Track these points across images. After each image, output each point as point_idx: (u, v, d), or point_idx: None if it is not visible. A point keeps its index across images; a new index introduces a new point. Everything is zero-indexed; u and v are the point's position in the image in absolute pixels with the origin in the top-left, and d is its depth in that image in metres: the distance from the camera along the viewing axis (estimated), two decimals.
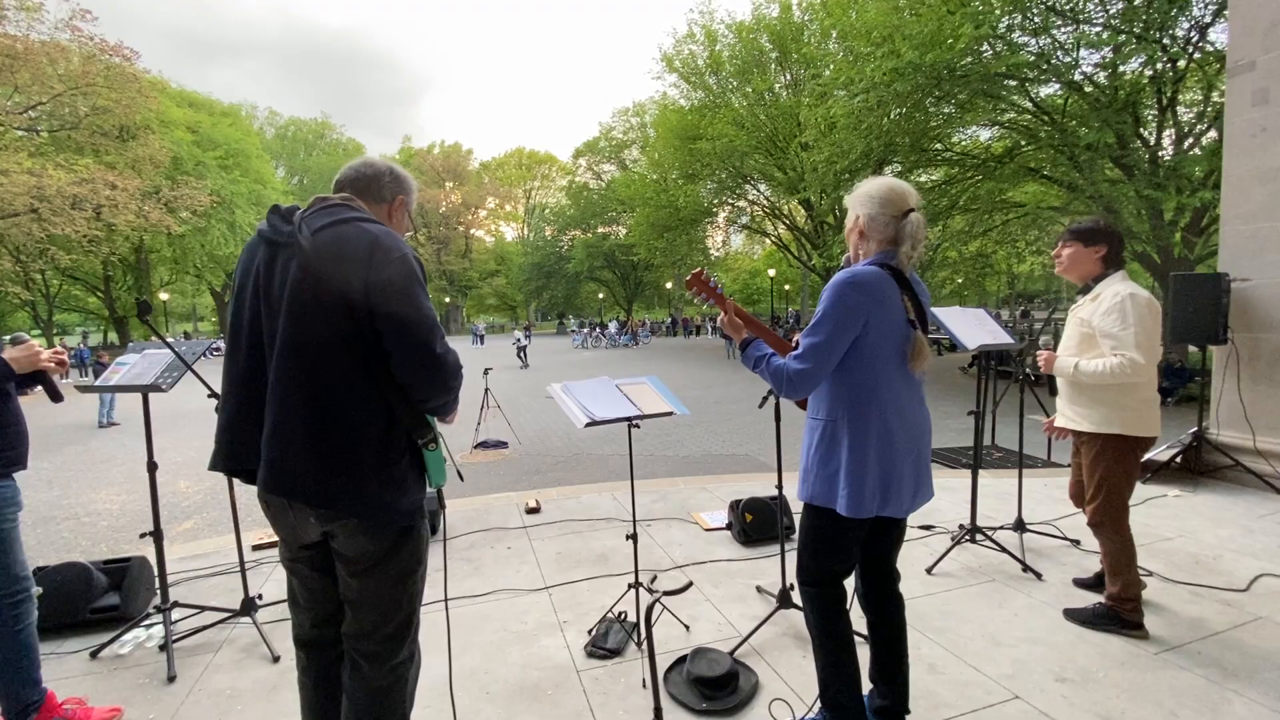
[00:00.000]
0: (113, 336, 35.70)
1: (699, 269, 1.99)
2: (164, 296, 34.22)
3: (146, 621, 2.75)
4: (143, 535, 2.65)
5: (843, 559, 1.87)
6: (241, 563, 2.83)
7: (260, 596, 2.91)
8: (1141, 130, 12.67)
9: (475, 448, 8.65)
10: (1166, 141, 12.98)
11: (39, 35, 20.04)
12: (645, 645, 1.63)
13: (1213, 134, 12.33)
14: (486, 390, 9.32)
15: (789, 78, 23.25)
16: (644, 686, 2.30)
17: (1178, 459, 4.63)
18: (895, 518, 1.83)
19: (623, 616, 2.69)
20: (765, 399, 2.73)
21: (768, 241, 36.06)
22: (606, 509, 4.34)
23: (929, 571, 3.16)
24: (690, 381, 15.60)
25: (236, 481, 1.72)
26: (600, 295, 51.32)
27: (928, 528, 3.76)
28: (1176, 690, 2.17)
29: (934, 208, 17.00)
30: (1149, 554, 3.19)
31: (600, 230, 45.70)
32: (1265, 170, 4.19)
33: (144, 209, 22.58)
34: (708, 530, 3.84)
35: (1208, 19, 10.66)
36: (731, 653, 2.43)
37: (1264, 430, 4.21)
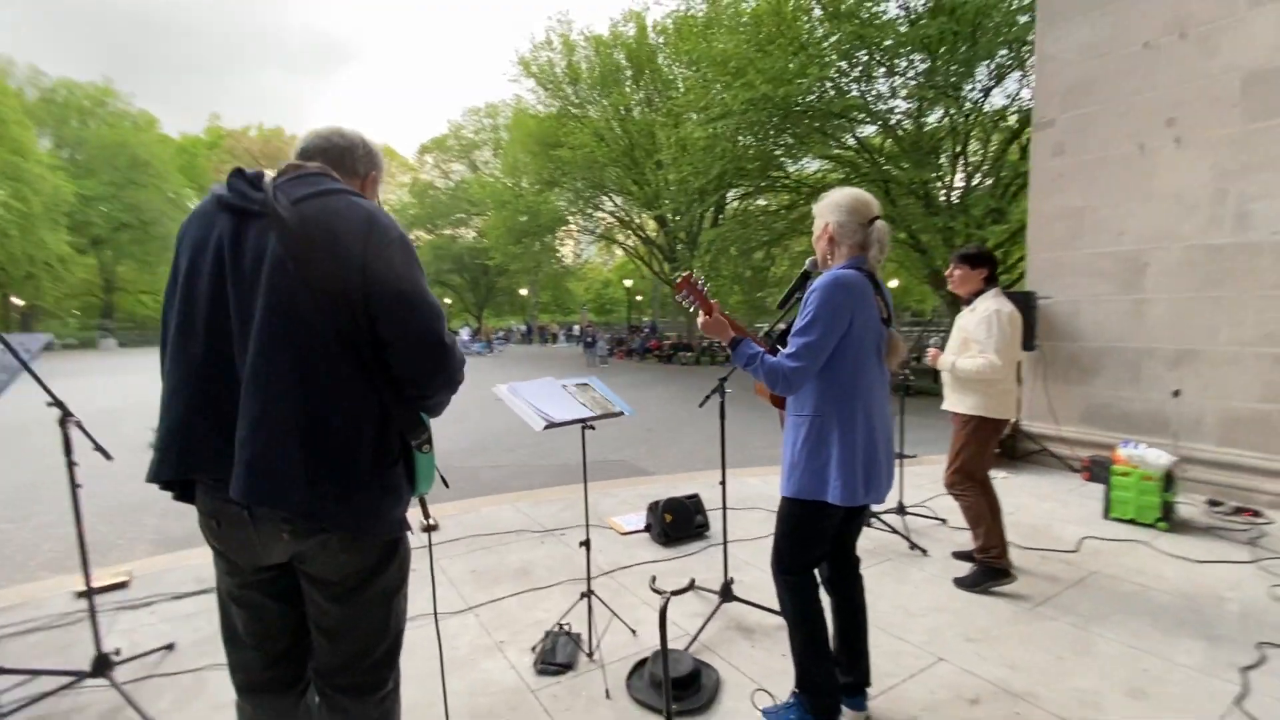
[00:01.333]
0: None
1: (689, 272, 1.99)
2: None
3: None
4: None
5: (823, 547, 1.97)
6: (92, 610, 2.26)
7: (118, 652, 2.35)
8: (942, 172, 14.97)
9: None
10: (959, 182, 15.44)
11: None
12: (661, 647, 1.58)
13: (989, 181, 14.95)
14: None
15: (644, 95, 24.14)
16: (607, 697, 2.22)
17: (998, 447, 5.49)
18: (861, 505, 1.96)
19: (566, 628, 2.57)
20: (707, 398, 2.79)
21: (619, 253, 36.89)
22: (511, 521, 4.13)
23: None
24: None
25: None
26: (448, 300, 48.92)
27: None
28: (1055, 637, 2.56)
29: (774, 230, 18.60)
30: None
31: (447, 232, 43.67)
32: (1062, 209, 5.16)
33: None
34: (624, 534, 3.82)
35: (991, 84, 12.89)
36: (686, 650, 2.43)
37: (1063, 421, 5.16)
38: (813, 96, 13.02)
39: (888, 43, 12.90)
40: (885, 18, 12.51)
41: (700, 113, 16.07)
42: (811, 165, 19.28)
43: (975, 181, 15.20)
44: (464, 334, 33.08)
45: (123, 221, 36.63)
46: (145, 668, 2.41)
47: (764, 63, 12.16)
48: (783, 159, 17.06)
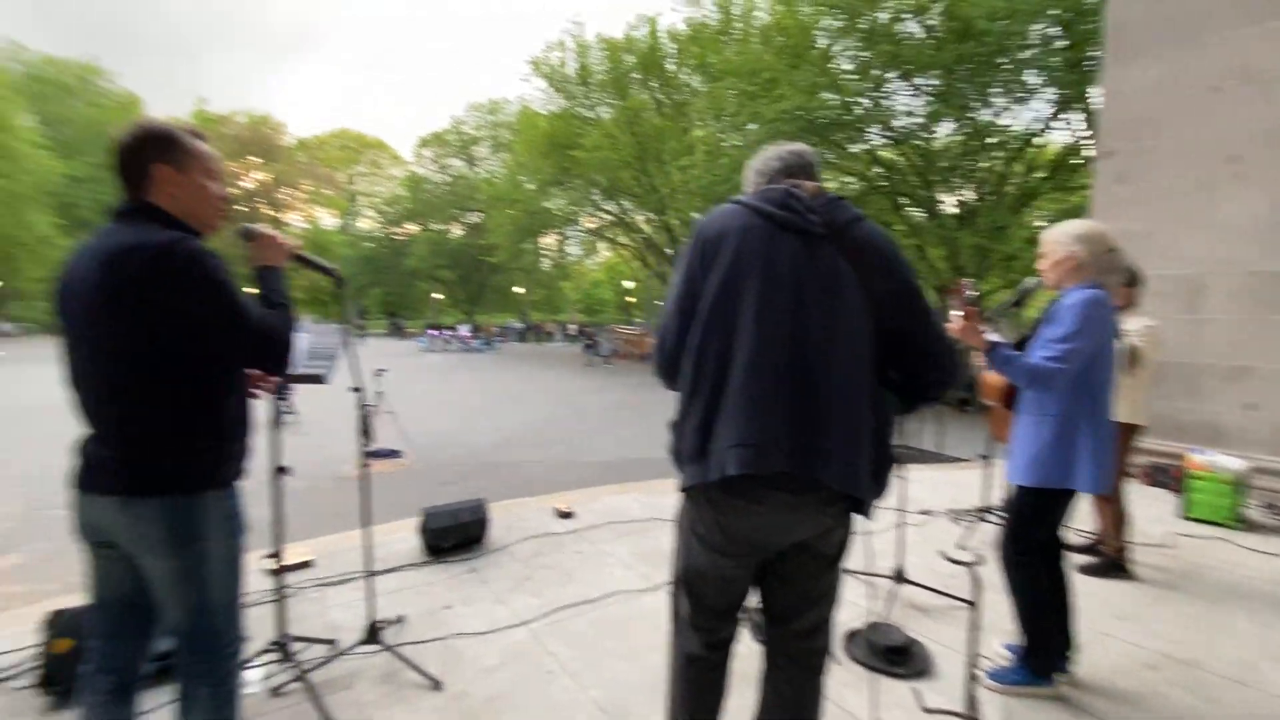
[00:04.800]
0: None
1: (969, 281, 2.28)
2: None
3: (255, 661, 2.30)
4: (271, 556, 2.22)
5: (1054, 528, 2.29)
6: (370, 579, 2.47)
7: (398, 618, 2.57)
8: (950, 187, 15.55)
9: (367, 458, 7.89)
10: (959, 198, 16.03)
11: None
12: (972, 605, 1.87)
13: (994, 197, 15.57)
14: (380, 394, 8.52)
15: (653, 100, 24.42)
16: (837, 662, 2.50)
17: None
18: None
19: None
20: None
21: (602, 251, 37.04)
22: (637, 510, 4.37)
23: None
24: (575, 389, 15.59)
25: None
26: (438, 295, 48.63)
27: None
28: (1195, 617, 2.93)
29: None
30: None
31: (439, 226, 43.54)
32: (1122, 232, 5.55)
33: None
34: None
35: (1007, 105, 13.47)
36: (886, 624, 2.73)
37: None
38: (837, 110, 13.45)
39: (907, 61, 13.41)
40: (907, 38, 13.00)
41: (716, 120, 16.43)
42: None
43: (980, 197, 15.83)
44: (463, 330, 32.93)
45: (109, 205, 35.63)
46: (391, 637, 2.61)
47: (795, 75, 12.56)
48: None
